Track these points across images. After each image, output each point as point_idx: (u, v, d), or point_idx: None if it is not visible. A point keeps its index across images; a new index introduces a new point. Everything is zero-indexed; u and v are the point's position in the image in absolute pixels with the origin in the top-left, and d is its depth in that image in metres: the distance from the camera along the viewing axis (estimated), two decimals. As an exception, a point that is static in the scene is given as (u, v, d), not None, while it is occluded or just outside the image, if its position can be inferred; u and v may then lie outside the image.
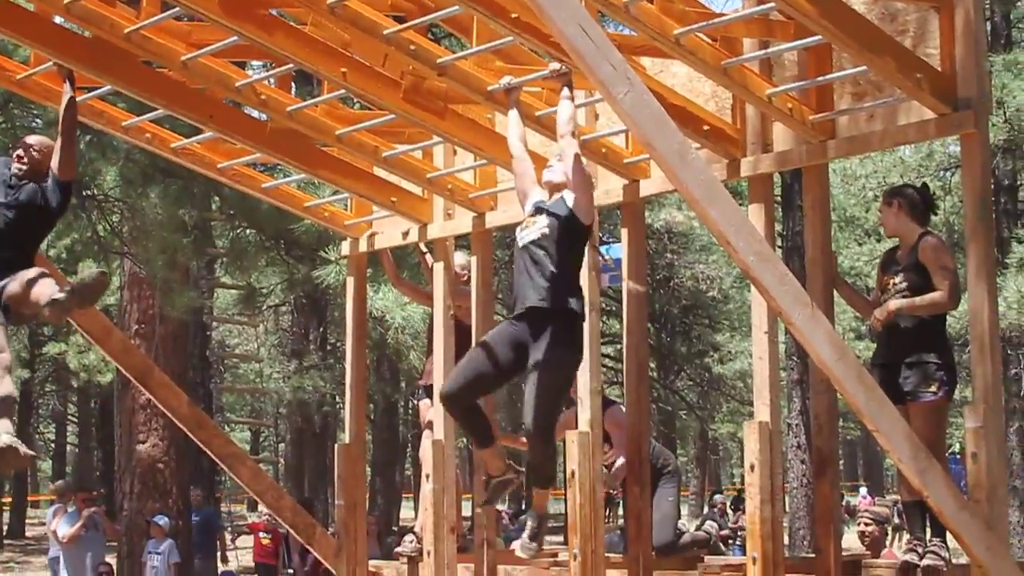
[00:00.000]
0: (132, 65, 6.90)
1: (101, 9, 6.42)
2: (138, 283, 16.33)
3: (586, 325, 7.32)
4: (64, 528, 14.34)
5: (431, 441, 8.20)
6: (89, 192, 14.94)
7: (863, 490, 32.04)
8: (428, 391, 8.70)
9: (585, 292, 7.32)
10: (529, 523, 6.33)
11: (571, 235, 6.14)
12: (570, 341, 6.06)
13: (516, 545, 6.41)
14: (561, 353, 5.99)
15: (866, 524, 8.50)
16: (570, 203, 6.15)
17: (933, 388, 6.29)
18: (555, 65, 6.24)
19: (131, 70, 6.92)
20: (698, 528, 10.57)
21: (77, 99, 7.01)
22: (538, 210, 6.25)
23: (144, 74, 7.12)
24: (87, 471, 32.92)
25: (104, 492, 15.52)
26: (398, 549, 8.76)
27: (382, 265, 9.71)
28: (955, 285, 6.30)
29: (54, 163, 6.90)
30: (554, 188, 6.28)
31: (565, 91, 6.18)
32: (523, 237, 6.21)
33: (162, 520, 14.96)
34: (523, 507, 17.22)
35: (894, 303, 6.35)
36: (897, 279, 6.45)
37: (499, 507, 12.36)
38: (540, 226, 6.14)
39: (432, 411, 8.38)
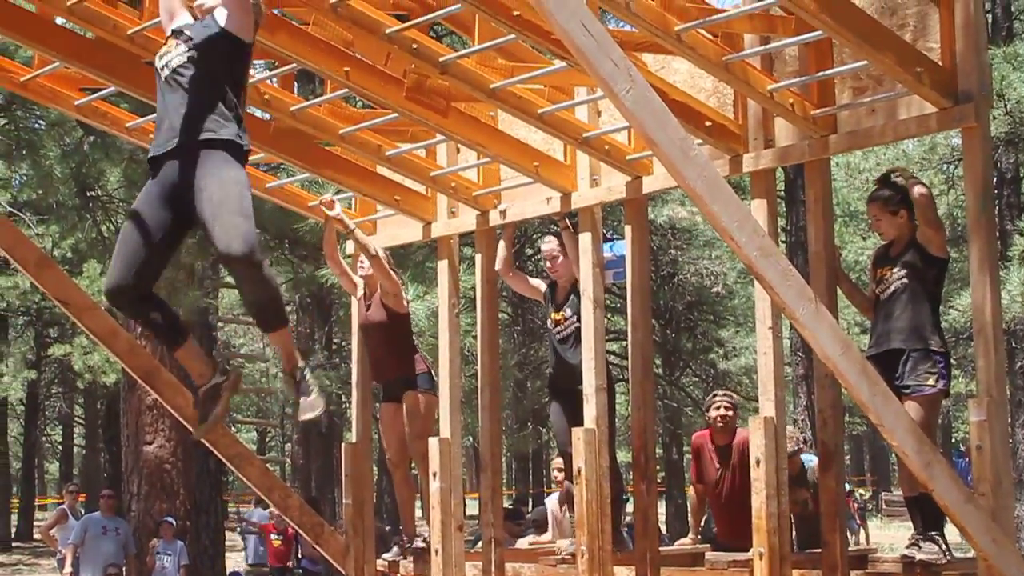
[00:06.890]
0: (135, 66, 6.90)
1: (104, 10, 6.43)
2: (143, 284, 16.32)
3: (588, 319, 7.36)
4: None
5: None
6: (93, 193, 14.99)
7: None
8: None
9: (588, 287, 7.36)
10: (296, 387, 5.27)
11: (225, 57, 5.25)
12: (224, 164, 5.06)
13: (301, 410, 5.29)
14: (219, 175, 5.01)
15: (726, 408, 8.08)
16: (221, 20, 5.26)
17: (931, 381, 6.32)
18: None
19: (134, 71, 6.93)
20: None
21: (79, 101, 7.09)
22: (178, 33, 5.37)
23: (147, 75, 7.07)
24: (94, 473, 32.92)
25: (114, 493, 15.56)
26: (385, 555, 8.77)
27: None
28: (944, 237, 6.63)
29: None
30: (207, 14, 5.39)
31: None
32: (164, 67, 5.29)
33: (173, 520, 15.01)
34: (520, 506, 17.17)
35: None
36: (895, 269, 6.50)
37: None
38: (184, 50, 5.25)
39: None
